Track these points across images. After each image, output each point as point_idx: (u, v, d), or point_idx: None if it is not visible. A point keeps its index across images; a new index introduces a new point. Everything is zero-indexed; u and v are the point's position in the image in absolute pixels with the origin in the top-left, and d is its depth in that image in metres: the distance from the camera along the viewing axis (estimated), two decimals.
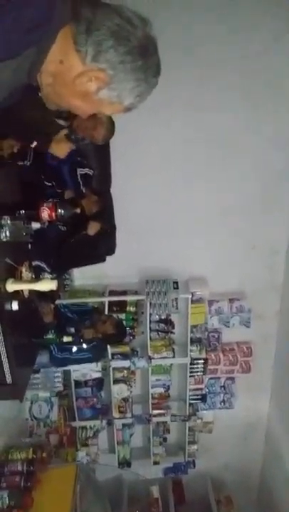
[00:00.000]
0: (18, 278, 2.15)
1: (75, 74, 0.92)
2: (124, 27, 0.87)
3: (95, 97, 0.96)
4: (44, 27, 0.85)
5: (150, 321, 3.78)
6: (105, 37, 0.86)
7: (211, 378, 4.18)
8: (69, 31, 0.88)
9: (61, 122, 2.19)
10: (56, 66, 0.92)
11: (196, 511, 4.45)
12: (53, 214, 1.99)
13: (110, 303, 3.68)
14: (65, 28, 0.88)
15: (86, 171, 2.90)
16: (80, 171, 2.87)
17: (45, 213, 1.99)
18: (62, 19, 0.87)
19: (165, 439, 4.40)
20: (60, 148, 2.19)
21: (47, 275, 2.43)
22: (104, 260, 3.29)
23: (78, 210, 2.14)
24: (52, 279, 2.11)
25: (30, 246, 2.31)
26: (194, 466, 4.54)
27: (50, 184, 2.75)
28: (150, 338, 3.83)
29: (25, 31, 0.83)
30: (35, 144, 1.89)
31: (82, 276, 3.76)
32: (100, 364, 3.80)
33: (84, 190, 2.90)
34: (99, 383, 4.00)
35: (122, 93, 0.95)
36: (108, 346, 3.65)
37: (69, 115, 1.90)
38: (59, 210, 2.01)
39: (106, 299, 3.65)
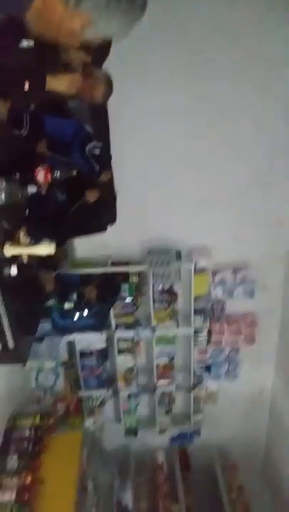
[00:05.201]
0: (16, 242, 2.16)
1: (57, 18, 0.94)
2: None
3: (80, 35, 0.97)
4: None
5: (153, 292, 3.78)
6: None
7: (216, 349, 4.20)
8: None
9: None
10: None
11: (201, 478, 4.55)
12: (49, 175, 1.98)
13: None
14: None
15: (94, 144, 2.58)
16: (89, 147, 2.52)
17: (40, 175, 1.98)
18: None
19: (170, 409, 4.46)
20: (61, 82, 1.74)
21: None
22: (105, 230, 3.26)
23: (75, 173, 2.10)
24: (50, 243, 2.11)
25: (29, 215, 2.28)
26: (199, 434, 4.63)
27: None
28: (154, 309, 3.85)
29: None
30: (27, 84, 1.53)
31: (83, 247, 3.75)
32: (104, 335, 3.83)
33: (98, 169, 2.58)
34: (103, 354, 4.05)
35: (107, 33, 0.98)
36: (111, 313, 3.66)
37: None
38: (55, 172, 1.99)
39: (108, 270, 3.66)
